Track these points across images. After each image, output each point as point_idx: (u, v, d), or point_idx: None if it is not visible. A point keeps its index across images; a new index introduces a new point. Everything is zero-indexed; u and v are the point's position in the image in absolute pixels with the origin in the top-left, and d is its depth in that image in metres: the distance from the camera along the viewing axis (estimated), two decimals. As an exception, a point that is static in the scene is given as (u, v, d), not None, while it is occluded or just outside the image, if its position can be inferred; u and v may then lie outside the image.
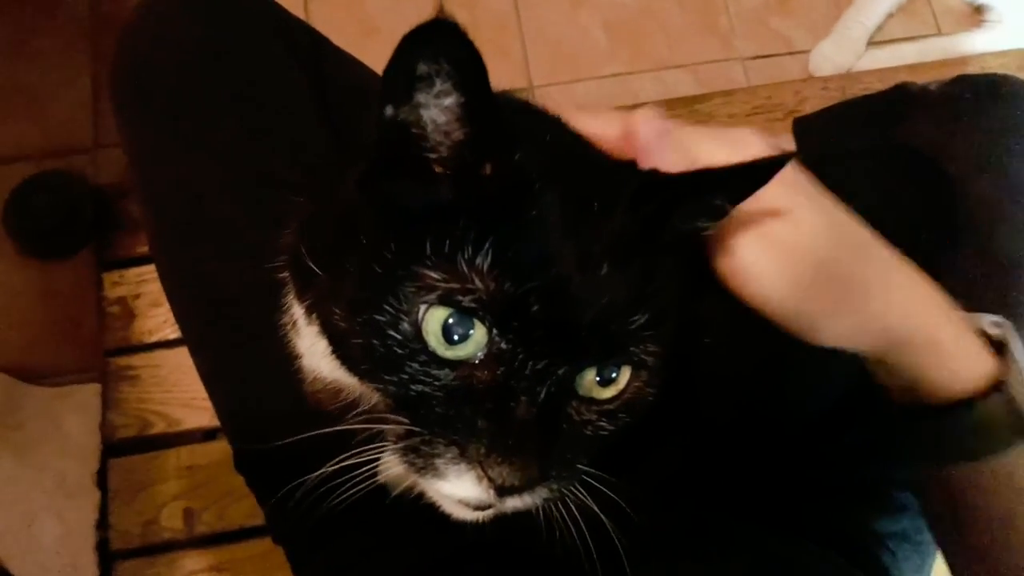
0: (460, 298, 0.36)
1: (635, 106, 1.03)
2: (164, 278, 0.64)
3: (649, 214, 0.39)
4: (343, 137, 0.67)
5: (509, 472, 0.37)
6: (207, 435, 0.92)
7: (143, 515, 0.87)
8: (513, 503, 0.39)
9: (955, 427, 0.42)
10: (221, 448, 0.90)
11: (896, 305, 0.43)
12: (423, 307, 0.37)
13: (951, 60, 1.11)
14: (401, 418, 0.39)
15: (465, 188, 0.38)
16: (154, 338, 0.93)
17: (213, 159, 0.63)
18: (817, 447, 0.64)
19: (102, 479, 0.89)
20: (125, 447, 0.90)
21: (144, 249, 0.94)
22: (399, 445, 0.39)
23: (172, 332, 0.94)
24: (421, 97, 0.36)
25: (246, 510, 0.88)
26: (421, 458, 0.39)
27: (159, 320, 0.94)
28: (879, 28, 1.22)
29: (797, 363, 0.54)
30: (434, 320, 0.37)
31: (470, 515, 0.41)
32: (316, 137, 0.66)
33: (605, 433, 0.41)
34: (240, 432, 0.65)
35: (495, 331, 0.37)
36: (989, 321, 0.45)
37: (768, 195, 0.38)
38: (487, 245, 0.36)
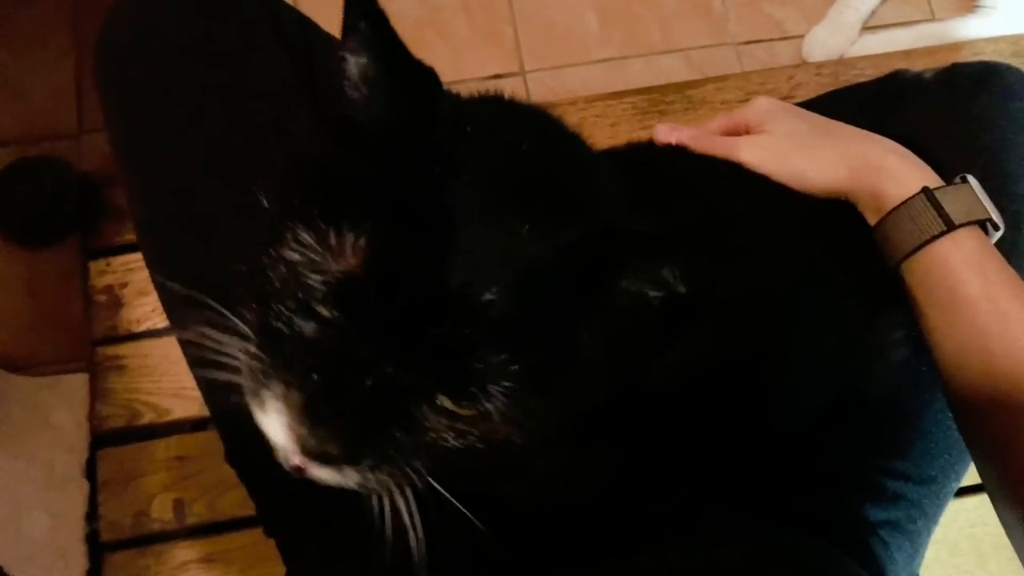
0: (316, 270, 0.37)
1: (626, 91, 1.03)
2: (151, 268, 0.64)
3: (580, 264, 0.38)
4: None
5: (311, 435, 0.37)
6: (196, 425, 0.91)
7: (133, 506, 0.86)
8: (320, 473, 0.39)
9: (897, 220, 0.54)
10: (211, 438, 0.89)
11: (855, 143, 0.58)
12: (293, 263, 0.38)
13: (945, 46, 1.11)
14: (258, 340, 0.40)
15: (372, 159, 0.39)
16: (142, 327, 0.92)
17: (199, 147, 0.62)
18: (808, 435, 0.64)
19: (91, 470, 0.88)
20: (114, 437, 0.89)
21: (131, 237, 0.92)
22: (246, 361, 0.40)
23: (160, 321, 0.92)
24: (347, 49, 0.38)
25: (236, 501, 0.87)
26: (255, 383, 0.39)
27: (147, 309, 0.93)
28: (873, 13, 1.22)
29: (794, 367, 0.54)
30: (299, 278, 0.38)
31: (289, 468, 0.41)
32: (304, 125, 0.65)
33: (453, 447, 0.40)
34: (232, 430, 0.65)
35: (335, 312, 0.37)
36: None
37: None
38: (365, 226, 0.37)
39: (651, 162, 0.61)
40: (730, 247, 0.54)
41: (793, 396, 0.58)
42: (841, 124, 0.61)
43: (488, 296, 0.36)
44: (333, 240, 0.37)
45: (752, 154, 0.59)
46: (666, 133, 0.62)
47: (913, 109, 0.73)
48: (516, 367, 0.37)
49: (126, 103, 0.63)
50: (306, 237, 0.38)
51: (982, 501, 0.95)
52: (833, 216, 0.59)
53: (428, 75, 0.41)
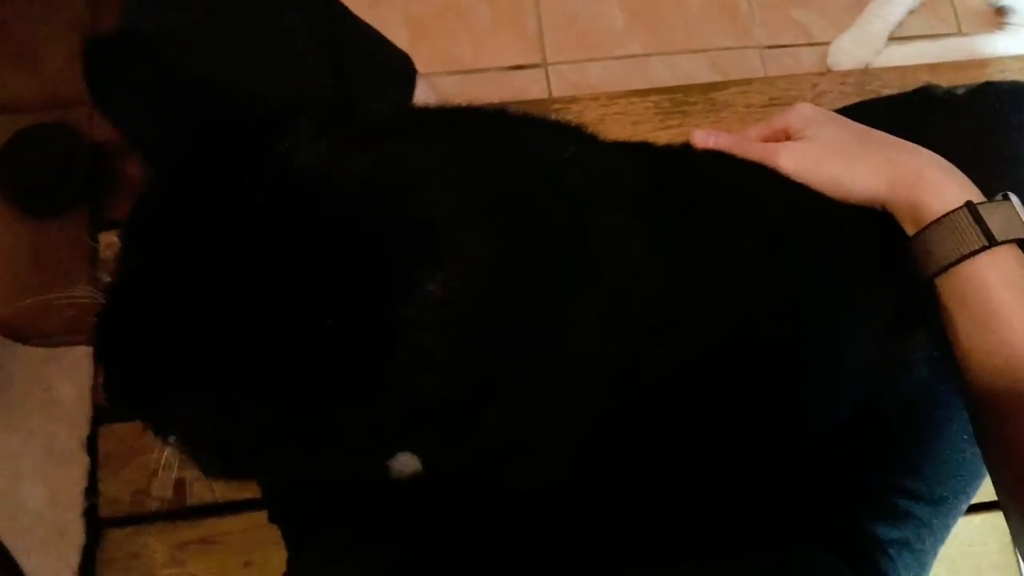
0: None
1: (649, 90, 1.02)
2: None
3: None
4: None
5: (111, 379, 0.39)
6: (200, 405, 0.90)
7: (133, 483, 0.86)
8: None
9: (937, 233, 0.54)
10: (214, 419, 0.88)
11: (896, 153, 0.58)
12: None
13: (971, 61, 1.10)
14: None
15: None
16: (148, 303, 0.90)
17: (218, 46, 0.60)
18: (821, 447, 0.64)
19: (91, 445, 0.87)
20: (116, 413, 0.88)
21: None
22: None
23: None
24: None
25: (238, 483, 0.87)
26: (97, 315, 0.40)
27: (155, 286, 0.92)
28: (900, 24, 1.20)
29: (817, 376, 0.54)
30: None
31: None
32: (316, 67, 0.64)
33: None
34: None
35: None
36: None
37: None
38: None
39: (685, 165, 0.60)
40: (758, 252, 0.53)
41: (812, 406, 0.58)
42: (882, 134, 0.60)
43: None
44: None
45: (791, 160, 0.58)
46: (703, 137, 0.61)
47: (945, 125, 0.72)
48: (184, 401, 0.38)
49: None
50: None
51: (983, 520, 0.96)
52: (865, 225, 0.58)
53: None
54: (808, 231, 0.58)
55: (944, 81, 0.98)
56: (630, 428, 0.48)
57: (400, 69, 0.72)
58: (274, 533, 0.67)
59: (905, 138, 0.76)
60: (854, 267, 0.58)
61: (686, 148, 0.62)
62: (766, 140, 0.62)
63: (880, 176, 0.56)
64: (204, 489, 0.87)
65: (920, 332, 0.63)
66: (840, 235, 0.58)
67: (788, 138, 0.61)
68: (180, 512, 0.86)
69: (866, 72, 1.12)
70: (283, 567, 0.72)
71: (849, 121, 0.61)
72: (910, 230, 0.56)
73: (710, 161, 0.60)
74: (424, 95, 0.74)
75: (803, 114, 0.61)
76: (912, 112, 0.79)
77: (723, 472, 0.57)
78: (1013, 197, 0.55)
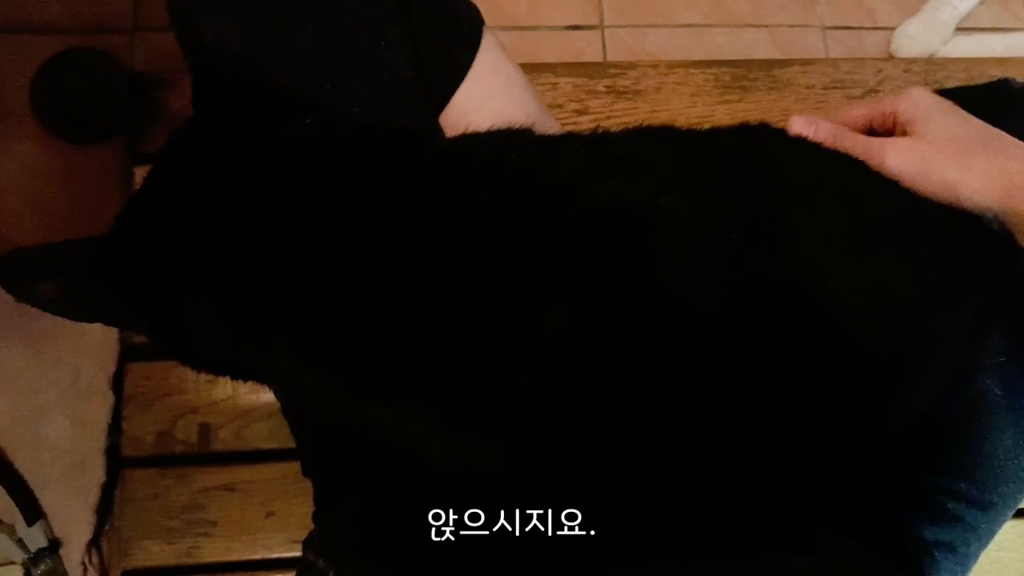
0: None
1: (710, 62, 0.99)
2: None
3: None
4: (422, 61, 0.63)
5: None
6: (229, 350, 0.88)
7: (157, 425, 0.84)
8: None
9: None
10: (244, 365, 0.86)
11: (1017, 161, 0.52)
12: None
13: (1042, 59, 1.06)
14: None
15: None
16: (184, 242, 0.88)
17: (288, 65, 0.58)
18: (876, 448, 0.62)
19: (117, 383, 0.85)
20: (143, 352, 0.85)
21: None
22: None
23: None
24: None
25: (264, 432, 0.85)
26: None
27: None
28: (969, 14, 1.16)
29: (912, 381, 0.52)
30: None
31: None
32: (395, 57, 0.61)
33: None
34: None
35: None
36: None
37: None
38: None
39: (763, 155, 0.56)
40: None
41: (898, 417, 0.56)
42: (1001, 133, 0.55)
43: None
44: None
45: (900, 161, 0.53)
46: (803, 125, 0.56)
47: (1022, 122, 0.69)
48: None
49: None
50: None
51: (1011, 527, 0.95)
52: (954, 222, 0.56)
53: None
54: (906, 233, 0.54)
55: (1012, 76, 0.95)
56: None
57: (469, 20, 0.68)
58: (298, 485, 0.66)
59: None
60: (951, 274, 0.55)
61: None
62: (870, 126, 0.58)
63: (995, 184, 0.52)
64: (229, 435, 0.85)
65: (994, 339, 0.60)
66: (936, 238, 0.55)
67: (895, 126, 0.57)
68: (203, 457, 0.84)
69: (931, 61, 1.08)
70: (305, 520, 0.70)
71: (966, 114, 0.56)
72: (1023, 242, 0.53)
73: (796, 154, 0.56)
74: (489, 49, 0.70)
75: (915, 101, 0.56)
76: (988, 107, 0.76)
77: (797, 471, 0.55)
78: None
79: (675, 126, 0.55)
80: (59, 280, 0.42)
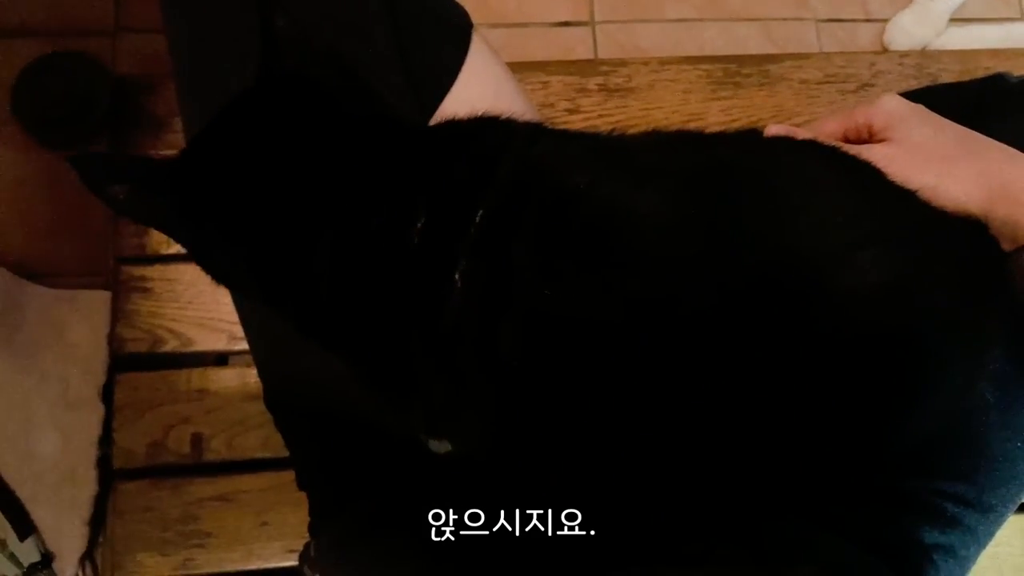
0: None
1: (702, 58, 0.98)
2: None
3: None
4: (411, 65, 0.62)
5: None
6: (220, 359, 0.87)
7: (149, 435, 0.82)
8: None
9: None
10: (235, 375, 0.85)
11: (997, 164, 0.52)
12: None
13: (1035, 50, 1.05)
14: None
15: None
16: (172, 250, 0.86)
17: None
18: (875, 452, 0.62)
19: (107, 393, 0.84)
20: (134, 362, 0.84)
21: (168, 152, 0.86)
22: None
23: (190, 245, 0.87)
24: None
25: (257, 441, 0.84)
26: None
27: (177, 231, 0.88)
28: (962, 5, 1.15)
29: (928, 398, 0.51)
30: None
31: None
32: (383, 56, 0.60)
33: None
34: (278, 377, 0.61)
35: None
36: None
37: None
38: None
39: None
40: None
41: (912, 429, 0.55)
42: (979, 136, 0.54)
43: None
44: None
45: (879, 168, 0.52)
46: (777, 133, 0.55)
47: (1019, 117, 0.69)
48: None
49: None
50: None
51: (1008, 522, 0.94)
52: (958, 230, 0.55)
53: None
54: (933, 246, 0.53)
55: (1006, 67, 0.94)
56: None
57: (456, 22, 0.67)
58: (292, 494, 0.65)
59: (976, 130, 0.73)
60: (957, 282, 0.54)
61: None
62: (845, 137, 0.56)
63: (976, 188, 0.51)
64: (222, 445, 0.84)
65: (996, 348, 0.60)
66: (958, 245, 0.54)
67: (871, 136, 0.56)
68: (196, 468, 0.83)
69: (925, 54, 1.08)
70: (300, 528, 0.70)
71: (942, 120, 0.55)
72: (1007, 246, 0.52)
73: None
74: (478, 52, 0.69)
75: (888, 110, 0.54)
76: (985, 103, 0.75)
77: (808, 480, 0.54)
78: None
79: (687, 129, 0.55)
80: (129, 187, 0.46)
